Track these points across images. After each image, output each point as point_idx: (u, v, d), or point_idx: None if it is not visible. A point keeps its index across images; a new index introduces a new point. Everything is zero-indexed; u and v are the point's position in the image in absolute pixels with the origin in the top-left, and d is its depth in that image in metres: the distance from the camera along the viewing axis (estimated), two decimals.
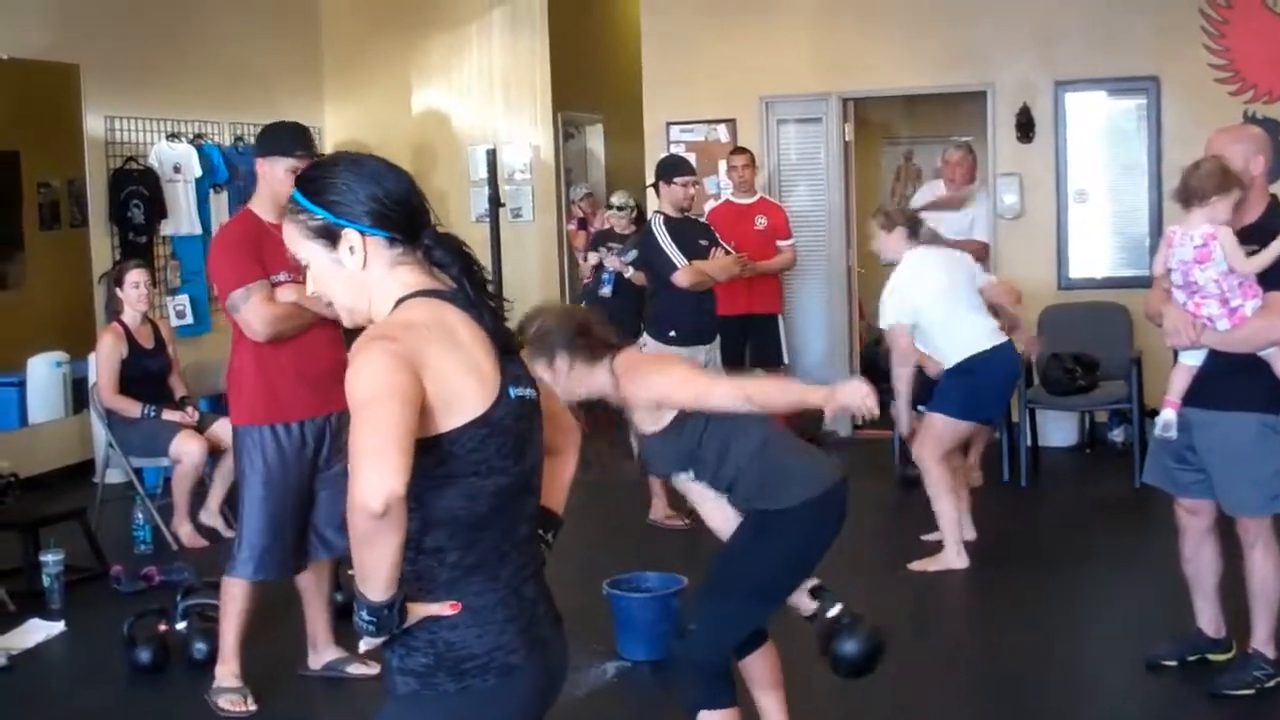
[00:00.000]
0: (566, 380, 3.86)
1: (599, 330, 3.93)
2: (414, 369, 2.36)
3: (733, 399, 3.85)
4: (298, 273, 5.00)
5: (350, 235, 2.50)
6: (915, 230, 6.86)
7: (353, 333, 2.55)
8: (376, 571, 2.36)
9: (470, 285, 2.51)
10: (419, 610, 2.45)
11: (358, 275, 2.52)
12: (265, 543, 5.10)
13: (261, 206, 5.14)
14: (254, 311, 4.98)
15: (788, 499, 3.92)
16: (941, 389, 6.81)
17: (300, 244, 2.57)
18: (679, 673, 4.01)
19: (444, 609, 2.46)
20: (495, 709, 2.52)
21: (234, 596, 5.18)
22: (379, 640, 2.46)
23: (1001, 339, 6.81)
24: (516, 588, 2.54)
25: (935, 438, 6.73)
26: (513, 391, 2.50)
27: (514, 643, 2.51)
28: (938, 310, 6.71)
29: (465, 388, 2.42)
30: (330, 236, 2.52)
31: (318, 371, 5.08)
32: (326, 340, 5.13)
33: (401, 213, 2.52)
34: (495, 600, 2.50)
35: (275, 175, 5.06)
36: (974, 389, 6.71)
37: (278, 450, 5.10)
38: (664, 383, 3.89)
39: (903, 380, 6.73)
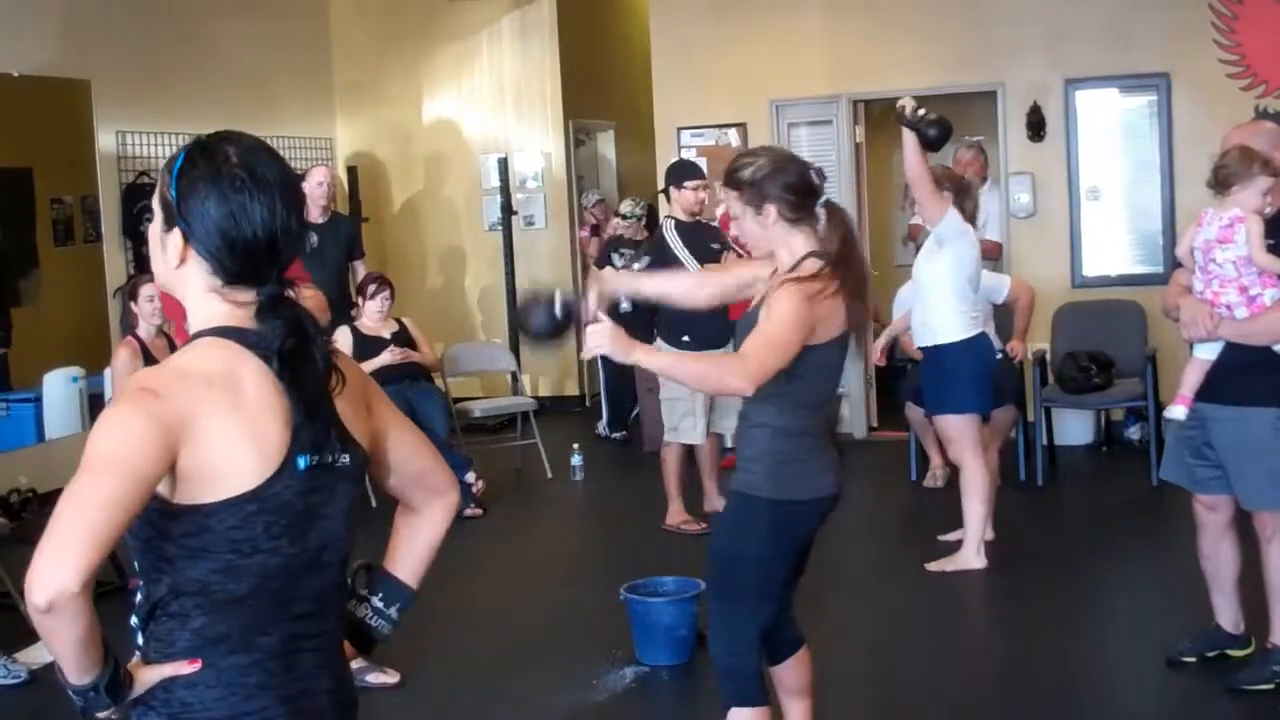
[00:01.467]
0: (765, 232, 3.77)
1: (811, 189, 3.77)
2: (172, 435, 2.07)
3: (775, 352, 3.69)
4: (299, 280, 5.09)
5: (177, 234, 2.21)
6: (963, 196, 6.75)
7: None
8: (62, 659, 2.10)
9: (285, 365, 2.17)
10: (149, 675, 2.19)
11: (172, 269, 2.24)
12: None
13: None
14: None
15: (768, 489, 3.79)
16: (923, 391, 6.92)
17: (154, 195, 2.28)
18: (717, 675, 3.97)
19: (182, 668, 2.19)
20: None
21: None
22: (105, 714, 2.17)
23: (973, 331, 6.69)
24: (286, 654, 2.23)
25: (952, 439, 6.71)
26: (304, 461, 2.18)
27: (269, 711, 2.21)
28: (945, 279, 6.64)
29: (234, 459, 2.12)
30: (167, 216, 2.23)
31: None
32: None
33: (239, 260, 2.20)
34: (248, 663, 2.20)
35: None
36: (946, 380, 6.64)
37: None
38: (765, 322, 3.67)
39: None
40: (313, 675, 2.27)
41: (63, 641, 2.06)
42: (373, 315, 8.73)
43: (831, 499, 3.84)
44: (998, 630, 6.17)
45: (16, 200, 9.43)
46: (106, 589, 6.74)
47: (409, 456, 2.44)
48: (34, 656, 5.98)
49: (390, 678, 5.28)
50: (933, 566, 6.67)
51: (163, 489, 2.10)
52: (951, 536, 6.84)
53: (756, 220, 3.77)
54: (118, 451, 2.04)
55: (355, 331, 8.65)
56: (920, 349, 6.93)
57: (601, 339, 3.57)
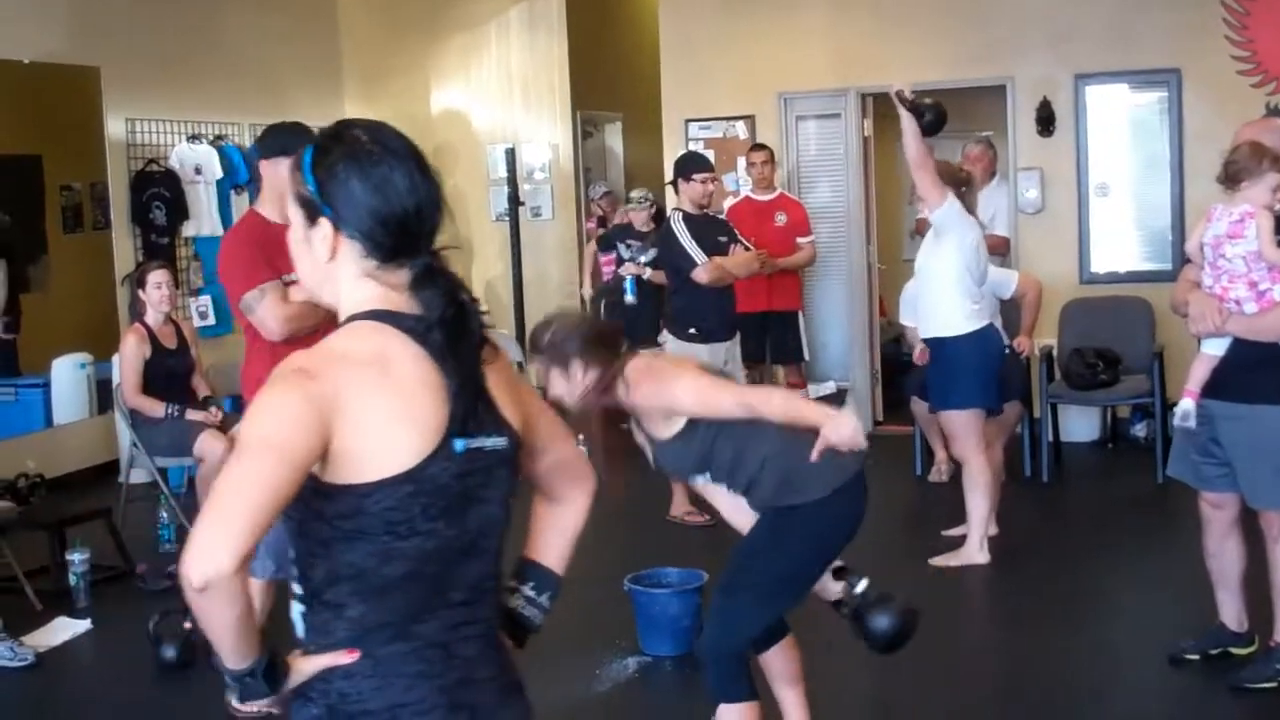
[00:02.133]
0: (582, 388, 3.86)
1: (611, 337, 3.93)
2: (326, 416, 2.07)
3: (737, 408, 3.86)
4: None
5: (325, 225, 2.22)
6: (963, 190, 6.76)
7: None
8: (220, 641, 2.09)
9: (445, 337, 2.17)
10: (308, 666, 2.18)
11: (323, 264, 2.24)
12: (278, 542, 5.11)
13: (267, 208, 5.15)
14: (269, 311, 4.97)
15: (810, 493, 3.92)
16: (929, 385, 6.91)
17: (289, 200, 2.30)
18: (702, 667, 4.02)
19: (340, 658, 2.17)
20: None
21: (251, 595, 5.18)
22: (264, 701, 2.16)
23: (978, 324, 6.69)
24: (445, 644, 2.21)
25: (956, 433, 6.71)
26: (461, 444, 2.16)
27: (427, 702, 2.18)
28: (948, 272, 6.62)
29: (390, 439, 2.11)
30: (311, 212, 2.24)
31: None
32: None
33: (393, 234, 2.20)
34: (407, 651, 2.18)
35: (279, 175, 5.01)
36: (952, 374, 6.64)
37: None
38: (671, 391, 3.89)
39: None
40: (473, 663, 2.25)
41: (218, 623, 2.06)
42: None
43: (860, 475, 4.06)
44: (1000, 626, 6.18)
45: (26, 187, 9.46)
46: (110, 574, 6.81)
47: (552, 443, 2.44)
48: (41, 640, 6.01)
49: None
50: (936, 561, 6.68)
51: (318, 470, 2.09)
52: (955, 531, 6.85)
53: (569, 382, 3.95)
54: (273, 434, 2.05)
55: None
56: (925, 341, 6.92)
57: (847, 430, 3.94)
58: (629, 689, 5.31)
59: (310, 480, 2.08)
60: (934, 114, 6.40)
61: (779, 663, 4.24)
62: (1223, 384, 4.86)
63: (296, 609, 2.25)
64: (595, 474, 2.51)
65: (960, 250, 6.56)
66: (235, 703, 5.14)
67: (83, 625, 6.23)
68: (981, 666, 5.60)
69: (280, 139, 5.16)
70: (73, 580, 6.50)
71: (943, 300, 6.64)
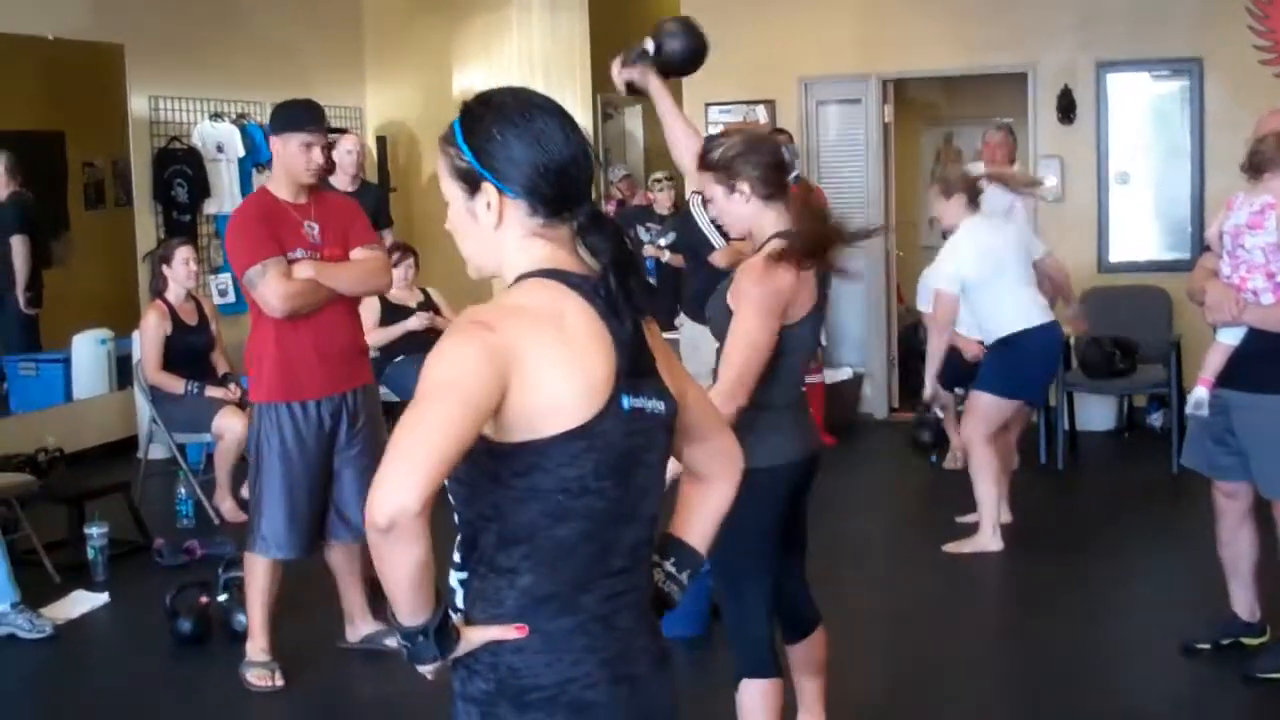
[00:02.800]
0: (739, 210, 3.79)
1: (785, 170, 3.81)
2: (504, 367, 2.07)
3: (732, 369, 3.70)
4: (313, 249, 5.10)
5: (489, 190, 2.21)
6: (974, 198, 6.73)
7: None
8: (396, 591, 2.10)
9: (617, 280, 2.18)
10: (476, 635, 2.18)
11: (489, 233, 2.24)
12: (282, 521, 5.16)
13: (277, 184, 5.19)
14: (270, 287, 4.99)
15: (756, 459, 3.77)
16: (986, 366, 6.78)
17: (444, 179, 2.29)
18: (729, 643, 3.99)
19: (509, 632, 2.17)
20: None
21: (255, 574, 5.24)
22: (431, 666, 2.18)
23: (1049, 317, 6.75)
24: (605, 616, 2.22)
25: (981, 417, 6.70)
26: (627, 402, 2.17)
27: (592, 676, 2.19)
28: (988, 280, 6.61)
29: (565, 393, 2.11)
30: (471, 183, 2.23)
31: (335, 349, 5.19)
32: (343, 318, 5.24)
33: (555, 185, 2.20)
34: (573, 626, 2.19)
35: (289, 152, 5.10)
36: (1017, 365, 6.66)
37: (295, 428, 5.15)
38: (745, 303, 3.65)
39: (937, 352, 6.69)
40: (630, 634, 2.25)
41: (398, 567, 2.06)
42: (398, 283, 8.75)
43: (807, 462, 3.89)
44: (1012, 613, 6.19)
45: (49, 163, 9.50)
46: (128, 548, 6.86)
47: (703, 421, 2.44)
48: (60, 612, 6.06)
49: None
50: (949, 548, 6.69)
51: (489, 431, 2.09)
52: (969, 518, 6.86)
53: (729, 200, 3.81)
54: (454, 379, 2.05)
55: (382, 299, 8.69)
56: (996, 342, 6.78)
57: None
58: None
59: (482, 442, 2.09)
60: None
61: (804, 654, 4.23)
62: (1238, 373, 4.86)
63: (455, 577, 2.25)
64: (741, 455, 2.50)
65: (1009, 250, 6.64)
66: (250, 679, 5.22)
67: (100, 598, 6.28)
68: (991, 652, 5.62)
69: (290, 114, 5.20)
70: (91, 554, 6.55)
71: (1010, 296, 6.65)
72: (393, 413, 8.96)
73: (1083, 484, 8.25)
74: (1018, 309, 6.64)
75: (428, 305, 8.79)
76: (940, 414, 7.84)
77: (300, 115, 5.18)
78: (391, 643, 5.35)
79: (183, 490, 7.58)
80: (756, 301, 3.65)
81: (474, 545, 2.21)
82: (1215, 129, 9.04)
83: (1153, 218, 9.55)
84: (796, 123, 9.96)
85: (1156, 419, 9.11)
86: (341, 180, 9.19)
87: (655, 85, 4.30)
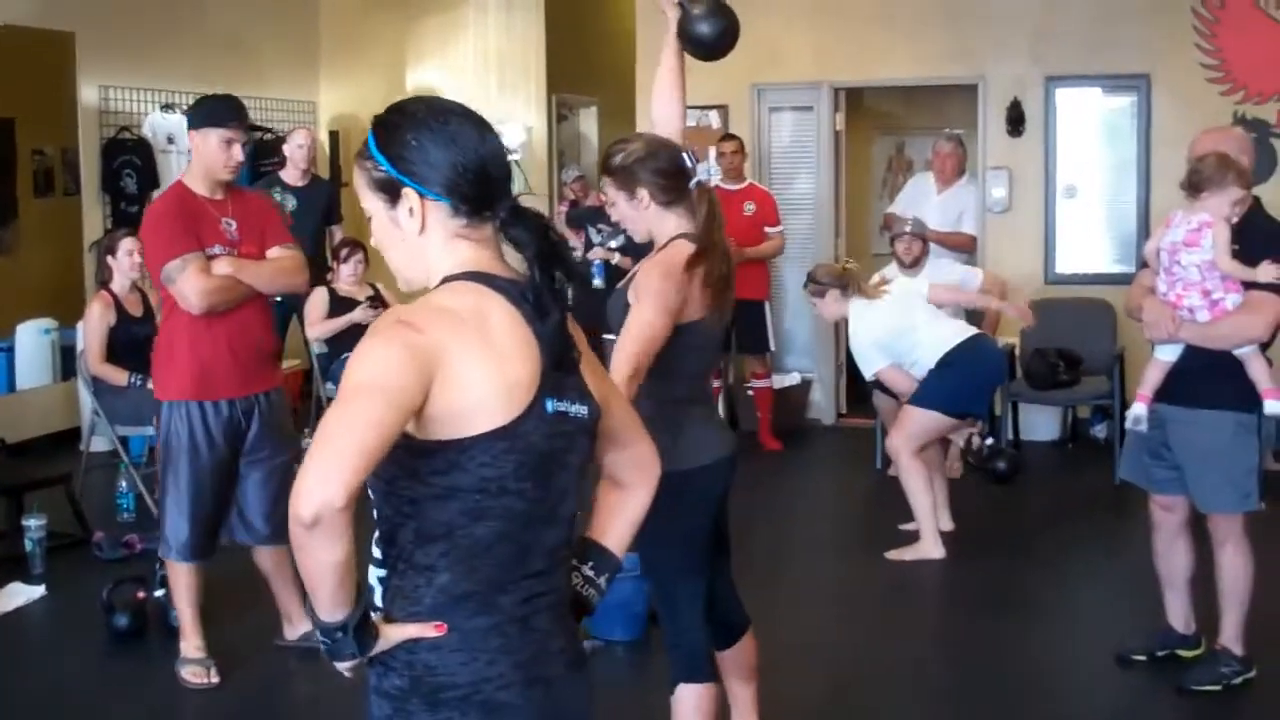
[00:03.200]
0: (640, 215, 3.82)
1: (685, 176, 3.81)
2: (427, 367, 2.11)
3: (628, 361, 3.71)
4: (232, 246, 5.06)
5: (410, 196, 2.25)
6: (845, 287, 6.97)
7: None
8: (317, 586, 2.12)
9: (542, 272, 2.23)
10: (395, 633, 2.20)
11: (414, 239, 2.27)
12: (185, 525, 5.13)
13: (194, 179, 5.11)
14: (189, 283, 4.93)
15: (677, 460, 3.79)
16: (924, 385, 6.82)
17: (363, 193, 2.31)
18: (665, 648, 3.99)
19: (428, 630, 2.19)
20: None
21: (177, 575, 5.23)
22: (350, 663, 2.21)
23: (973, 331, 6.90)
24: (523, 617, 2.25)
25: (913, 431, 6.76)
26: (550, 405, 2.22)
27: (506, 677, 2.22)
28: (900, 336, 6.88)
29: (487, 394, 2.15)
30: (391, 192, 2.26)
31: (250, 349, 5.16)
32: (258, 317, 5.22)
33: (475, 184, 2.24)
34: (489, 625, 2.21)
35: (209, 147, 5.04)
36: (956, 382, 6.75)
37: (205, 427, 5.11)
38: (644, 298, 3.68)
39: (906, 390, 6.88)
40: (547, 636, 2.29)
41: (320, 563, 2.08)
42: (347, 278, 8.74)
43: (726, 461, 3.88)
44: (951, 619, 6.22)
45: None
46: (67, 541, 6.80)
47: (625, 427, 2.48)
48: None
49: None
50: (892, 554, 6.73)
51: (411, 428, 2.12)
52: (912, 526, 6.89)
53: (630, 204, 3.84)
54: (378, 378, 2.08)
55: (331, 292, 8.67)
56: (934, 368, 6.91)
57: None
58: None
59: (403, 439, 2.11)
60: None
61: (735, 659, 4.23)
62: (1174, 389, 4.91)
63: (374, 574, 2.27)
64: (659, 461, 2.55)
65: (904, 306, 6.91)
66: (185, 676, 5.19)
67: (37, 591, 6.24)
68: (931, 659, 5.65)
69: (213, 109, 5.14)
70: (29, 546, 6.49)
71: (926, 334, 6.87)
72: None
73: (1026, 494, 8.29)
74: (937, 341, 6.83)
75: (377, 300, 8.76)
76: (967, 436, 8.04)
77: (222, 110, 5.12)
78: None
79: (124, 483, 7.53)
80: (655, 296, 3.68)
81: (393, 541, 2.23)
82: (1162, 144, 9.11)
83: (1100, 231, 9.62)
84: (749, 128, 10.00)
85: (1100, 430, 9.18)
86: (292, 174, 9.16)
87: (670, 36, 4.25)
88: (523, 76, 11.91)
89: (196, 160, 5.12)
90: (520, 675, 2.23)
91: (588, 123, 13.24)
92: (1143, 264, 5.27)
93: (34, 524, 6.51)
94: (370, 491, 2.20)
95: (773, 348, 9.52)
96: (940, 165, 9.33)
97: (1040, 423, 9.31)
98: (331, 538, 2.05)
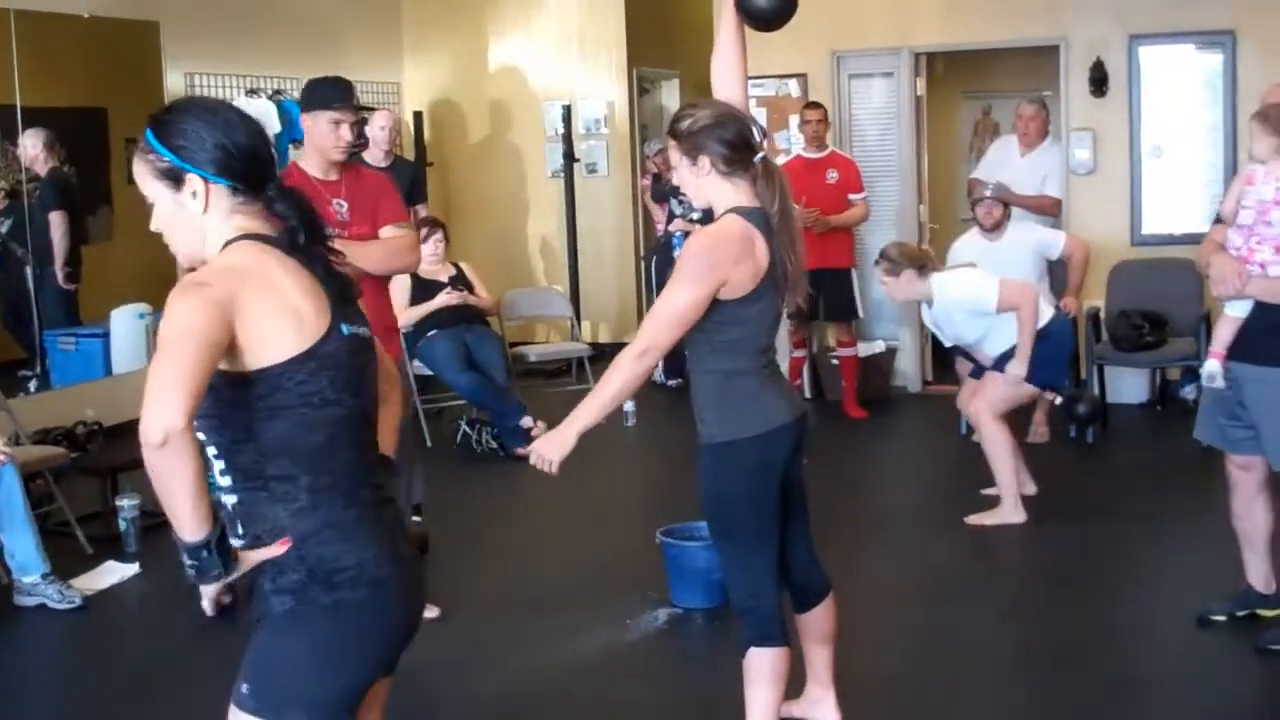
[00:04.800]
0: (699, 182, 3.84)
1: (751, 148, 3.82)
2: (225, 313, 2.44)
3: (644, 336, 3.79)
4: (341, 227, 5.07)
5: (194, 180, 2.59)
6: (922, 267, 6.79)
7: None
8: (175, 507, 2.41)
9: (306, 236, 2.62)
10: (251, 558, 2.56)
11: (197, 219, 2.60)
12: None
13: (308, 161, 5.23)
14: None
15: (736, 430, 3.87)
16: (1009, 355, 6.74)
17: (148, 182, 2.64)
18: (735, 613, 4.03)
19: (277, 550, 2.56)
20: (367, 621, 2.63)
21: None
22: (215, 586, 2.55)
23: (1055, 308, 6.87)
24: (376, 506, 2.68)
25: (995, 398, 6.71)
26: (346, 329, 2.62)
27: (380, 557, 2.63)
28: (977, 320, 6.76)
29: (283, 327, 2.52)
30: (175, 179, 2.60)
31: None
32: (372, 296, 5.03)
33: (247, 164, 2.61)
34: (357, 516, 2.62)
35: (319, 129, 5.16)
36: (1043, 354, 6.67)
37: None
38: (679, 273, 3.74)
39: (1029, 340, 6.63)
40: (394, 524, 2.75)
41: (177, 481, 2.39)
42: (428, 258, 8.82)
43: (791, 426, 3.89)
44: (1030, 583, 6.20)
45: (90, 139, 9.60)
46: (159, 520, 6.92)
47: (381, 353, 2.86)
48: (90, 583, 6.17)
49: (431, 611, 5.39)
50: (972, 520, 6.71)
51: (227, 365, 2.48)
52: (994, 491, 6.87)
53: (691, 171, 3.85)
54: (189, 325, 2.42)
55: (413, 275, 8.77)
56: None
57: (547, 454, 3.90)
58: (658, 639, 5.40)
59: (223, 377, 2.47)
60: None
61: (815, 623, 4.26)
62: (1246, 347, 4.86)
63: (228, 500, 2.61)
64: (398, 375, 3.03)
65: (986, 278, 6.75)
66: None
67: (131, 569, 6.38)
68: (1009, 622, 5.64)
69: (321, 92, 5.23)
70: (122, 525, 6.66)
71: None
72: (428, 387, 9.10)
73: (1111, 457, 8.23)
74: (1009, 332, 6.71)
75: (460, 280, 8.86)
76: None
77: (329, 92, 5.22)
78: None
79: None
80: (689, 270, 3.72)
81: (235, 468, 2.57)
82: (1248, 102, 8.90)
83: (1185, 191, 9.47)
84: (829, 96, 9.96)
85: (1189, 391, 9.05)
86: (375, 155, 9.26)
87: (728, 8, 4.26)
88: (604, 50, 11.95)
89: (308, 142, 5.23)
90: (389, 555, 2.66)
91: (669, 95, 13.24)
92: (1216, 220, 5.21)
93: (127, 504, 6.66)
94: (200, 433, 2.49)
95: (861, 314, 9.50)
96: (1024, 128, 9.24)
97: (1128, 385, 9.21)
98: (183, 456, 2.35)
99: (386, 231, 5.23)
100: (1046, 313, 6.78)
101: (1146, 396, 9.32)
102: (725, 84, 4.13)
